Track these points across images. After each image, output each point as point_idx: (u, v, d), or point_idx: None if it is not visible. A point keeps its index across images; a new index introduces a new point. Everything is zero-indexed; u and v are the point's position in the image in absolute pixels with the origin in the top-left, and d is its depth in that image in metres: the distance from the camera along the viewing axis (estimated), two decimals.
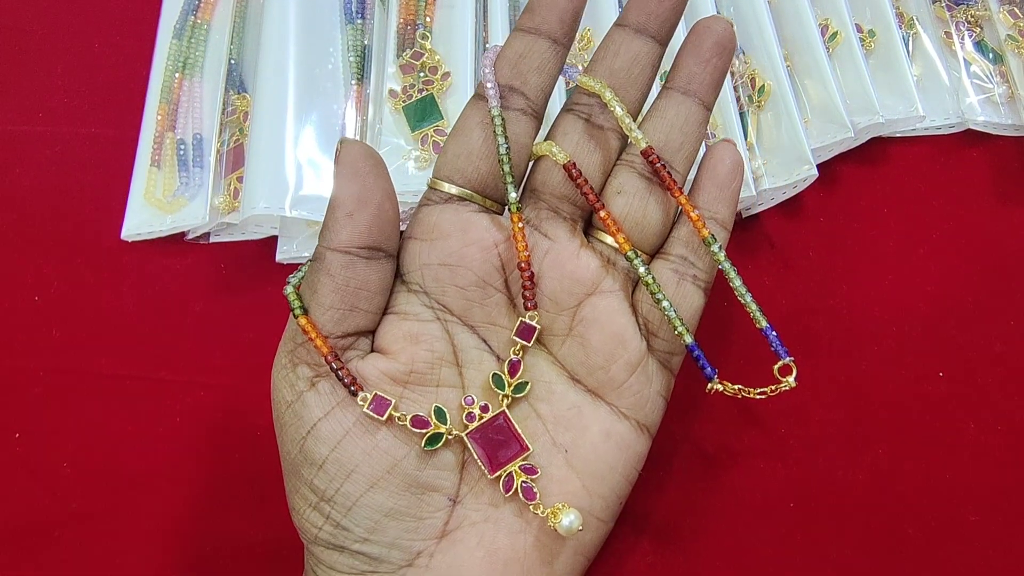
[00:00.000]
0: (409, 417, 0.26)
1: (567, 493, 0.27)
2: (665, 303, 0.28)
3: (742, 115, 0.38)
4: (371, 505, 0.26)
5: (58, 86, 0.42)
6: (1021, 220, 0.37)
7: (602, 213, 0.28)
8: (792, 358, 0.28)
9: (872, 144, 0.38)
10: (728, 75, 0.38)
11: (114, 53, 0.43)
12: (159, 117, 0.40)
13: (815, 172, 0.36)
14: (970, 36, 0.40)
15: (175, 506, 0.35)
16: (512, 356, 0.28)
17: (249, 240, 0.38)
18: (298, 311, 0.26)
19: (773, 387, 0.28)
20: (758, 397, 0.29)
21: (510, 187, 0.27)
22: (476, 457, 0.27)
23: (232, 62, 0.40)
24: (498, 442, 0.27)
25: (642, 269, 0.28)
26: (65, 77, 0.42)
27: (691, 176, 0.31)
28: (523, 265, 0.27)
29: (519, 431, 0.27)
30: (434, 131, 0.37)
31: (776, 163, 0.37)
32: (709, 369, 0.28)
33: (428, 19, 0.39)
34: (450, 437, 0.27)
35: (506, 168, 0.27)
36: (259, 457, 0.35)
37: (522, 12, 0.28)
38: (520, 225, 0.27)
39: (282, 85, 0.37)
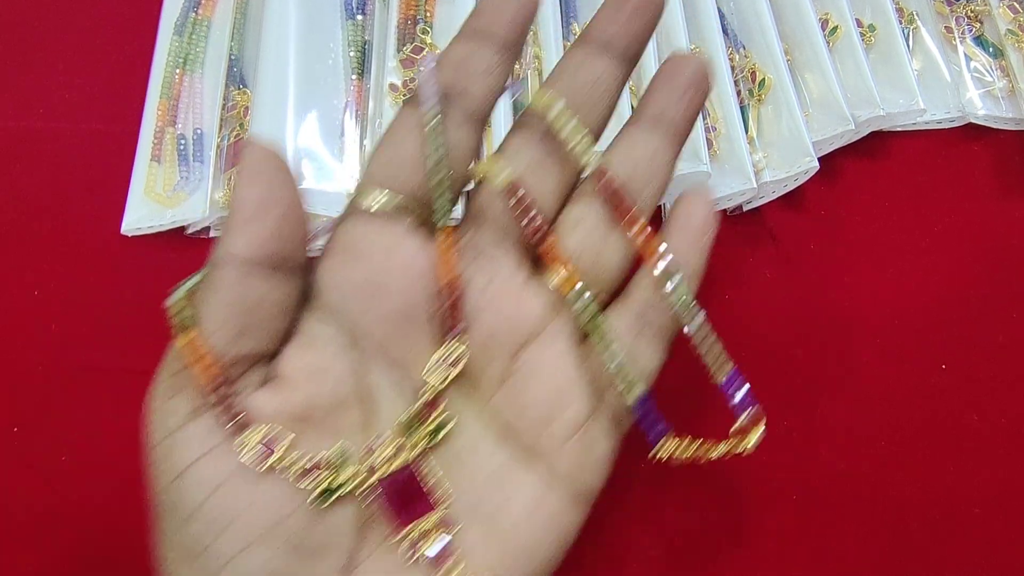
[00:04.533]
0: (294, 469, 0.22)
1: (486, 565, 0.23)
2: (610, 353, 0.24)
3: (742, 109, 0.38)
4: (246, 567, 0.21)
5: (59, 82, 0.42)
6: (1022, 213, 0.37)
7: (547, 243, 0.24)
8: (753, 408, 0.24)
9: (873, 138, 0.38)
10: (728, 69, 0.38)
11: (115, 49, 0.43)
12: (159, 112, 0.40)
13: (816, 164, 0.36)
14: (970, 31, 0.40)
15: None
16: (426, 395, 0.23)
17: None
18: (179, 327, 0.22)
19: (729, 445, 0.24)
20: (712, 456, 0.24)
21: (439, 199, 0.24)
22: (380, 512, 0.23)
23: (233, 58, 0.40)
24: (407, 495, 0.23)
25: (585, 313, 0.24)
26: (66, 73, 0.42)
27: None
28: (448, 285, 0.23)
29: (432, 484, 0.23)
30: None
31: (777, 156, 0.37)
32: (652, 435, 0.25)
33: (428, 14, 0.39)
34: (344, 494, 0.23)
35: (436, 178, 0.23)
36: None
37: (468, 15, 0.25)
38: (448, 241, 0.24)
39: (282, 80, 0.38)
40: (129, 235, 0.38)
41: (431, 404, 0.24)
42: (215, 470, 0.22)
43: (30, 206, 0.40)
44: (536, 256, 0.26)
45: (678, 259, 0.25)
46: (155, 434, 0.23)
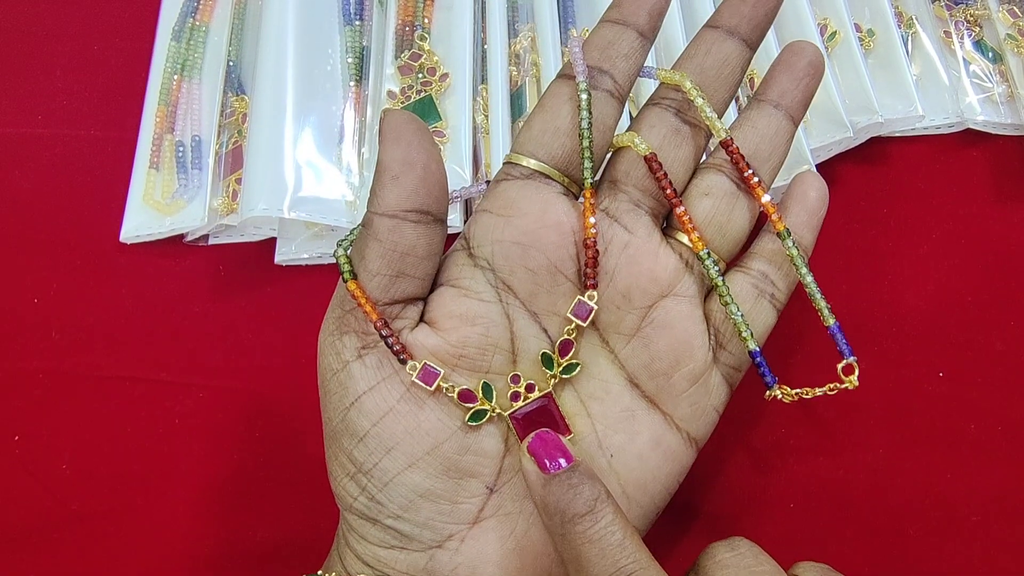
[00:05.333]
0: (457, 390, 0.26)
1: None
2: (733, 307, 0.27)
3: None
4: (407, 484, 0.26)
5: (57, 88, 0.42)
6: (1021, 219, 0.37)
7: (679, 210, 0.27)
8: (855, 357, 0.28)
9: (872, 144, 0.38)
10: None
11: (113, 55, 0.43)
12: (158, 119, 0.40)
13: (814, 171, 0.36)
14: (969, 35, 0.40)
15: (174, 507, 0.35)
16: (565, 335, 0.27)
17: (248, 242, 0.38)
18: (347, 275, 0.26)
19: (832, 385, 0.28)
20: (817, 394, 0.28)
21: (587, 161, 0.26)
22: (519, 438, 0.26)
23: (231, 64, 0.40)
24: (540, 424, 0.26)
25: (714, 271, 0.27)
26: (64, 79, 0.42)
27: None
28: (589, 242, 0.26)
29: (564, 414, 0.27)
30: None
31: None
32: (769, 377, 0.28)
33: (426, 20, 0.39)
34: (493, 415, 0.26)
35: (586, 143, 0.26)
36: (257, 458, 0.35)
37: (609, 5, 0.28)
38: (592, 201, 0.26)
39: (281, 87, 0.37)
40: (128, 242, 0.38)
41: (567, 344, 0.27)
42: (383, 400, 0.26)
43: (29, 213, 0.40)
44: (665, 220, 0.29)
45: (794, 232, 0.28)
46: (328, 368, 0.26)
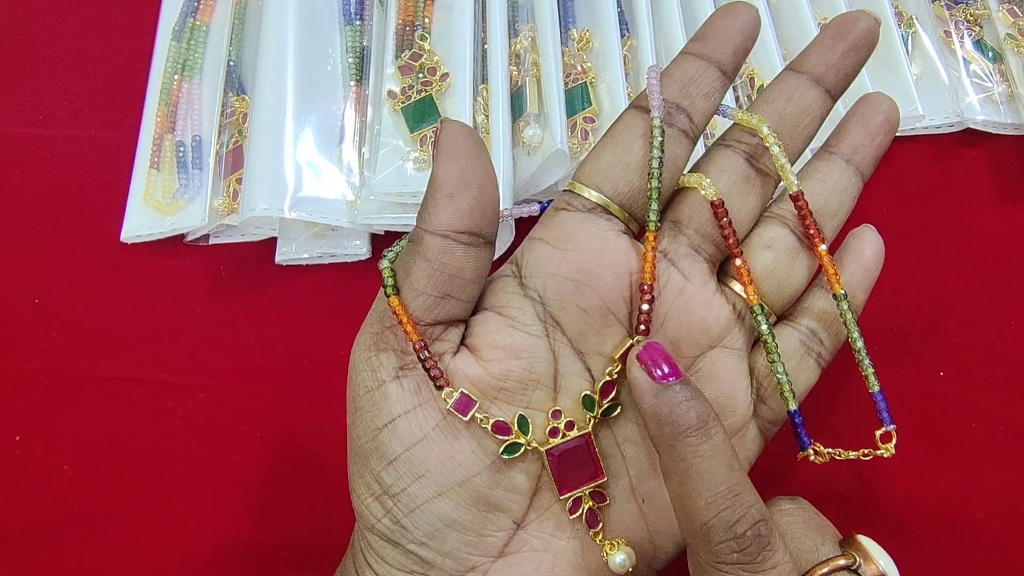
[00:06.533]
0: (492, 421, 0.25)
1: (631, 539, 0.27)
2: (779, 366, 0.27)
3: None
4: (435, 512, 0.25)
5: (57, 88, 0.42)
6: (1021, 219, 0.37)
7: (738, 262, 0.27)
8: (895, 426, 0.27)
9: None
10: None
11: (113, 55, 0.43)
12: (158, 119, 0.40)
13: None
14: (969, 35, 0.40)
15: (175, 508, 0.35)
16: (608, 377, 0.26)
17: (248, 242, 0.38)
18: (390, 291, 0.25)
19: (866, 451, 0.28)
20: (851, 457, 0.28)
21: (654, 203, 0.26)
22: (550, 474, 0.26)
23: (231, 64, 0.40)
24: (575, 463, 0.26)
25: (765, 326, 0.27)
26: (64, 79, 0.42)
27: None
28: (646, 287, 0.25)
29: (598, 457, 0.26)
30: (433, 132, 0.37)
31: None
32: (805, 438, 0.28)
33: (427, 20, 0.39)
34: (528, 449, 0.25)
35: (654, 183, 0.25)
36: (258, 459, 0.35)
37: (692, 38, 0.27)
38: (654, 245, 0.26)
39: (281, 86, 0.37)
40: (129, 242, 0.38)
41: (610, 386, 0.26)
42: (419, 426, 0.25)
43: (29, 213, 0.40)
44: (721, 266, 0.28)
45: (847, 291, 0.28)
46: (362, 384, 0.25)
